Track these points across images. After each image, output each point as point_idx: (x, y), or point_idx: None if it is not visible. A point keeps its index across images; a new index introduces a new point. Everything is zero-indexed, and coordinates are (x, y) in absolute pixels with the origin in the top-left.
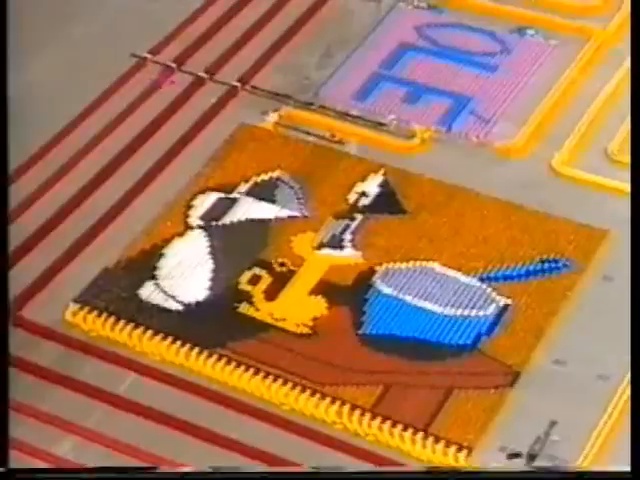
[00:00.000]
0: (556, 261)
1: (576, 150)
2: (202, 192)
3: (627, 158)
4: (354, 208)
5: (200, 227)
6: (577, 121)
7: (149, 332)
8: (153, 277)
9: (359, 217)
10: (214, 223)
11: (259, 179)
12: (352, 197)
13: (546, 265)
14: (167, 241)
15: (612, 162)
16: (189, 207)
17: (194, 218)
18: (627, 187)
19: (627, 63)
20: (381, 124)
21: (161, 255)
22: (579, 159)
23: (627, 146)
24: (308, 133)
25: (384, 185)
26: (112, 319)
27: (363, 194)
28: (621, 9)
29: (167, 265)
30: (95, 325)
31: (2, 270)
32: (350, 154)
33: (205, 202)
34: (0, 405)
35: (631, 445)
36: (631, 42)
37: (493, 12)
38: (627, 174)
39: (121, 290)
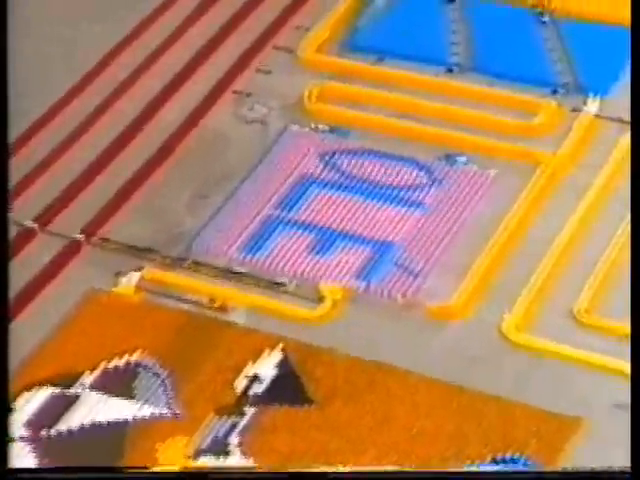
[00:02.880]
0: (514, 460)
1: (532, 310)
2: (28, 388)
3: (599, 320)
4: (244, 399)
5: (24, 439)
6: (532, 271)
7: None
8: None
9: (250, 411)
10: (45, 432)
11: (111, 365)
12: (241, 384)
13: (501, 466)
14: None
15: (580, 325)
16: (9, 411)
17: (17, 426)
18: (601, 359)
19: (590, 194)
20: (278, 284)
21: None
22: (537, 322)
23: (598, 304)
24: (180, 299)
25: (283, 365)
26: None
27: (255, 379)
28: (573, 128)
29: None
30: None
31: None
32: (237, 325)
33: (33, 402)
34: (0, 405)
35: (631, 445)
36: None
37: (413, 135)
38: (599, 340)
39: None
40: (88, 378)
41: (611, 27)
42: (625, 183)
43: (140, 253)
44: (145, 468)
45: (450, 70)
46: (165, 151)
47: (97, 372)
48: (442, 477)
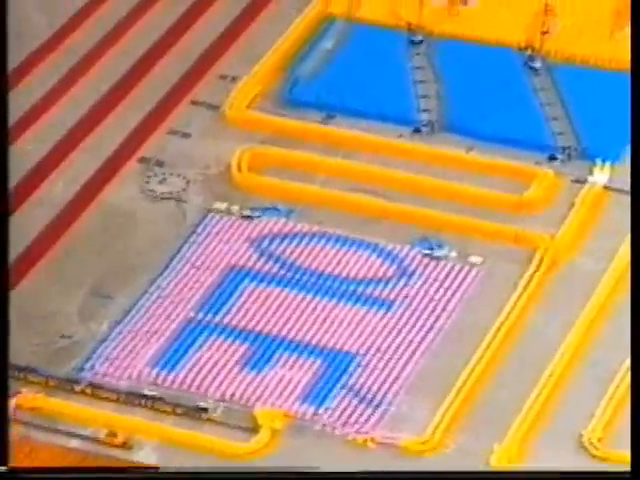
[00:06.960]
0: None
1: (529, 439)
2: None
3: (615, 453)
4: None
5: None
6: (528, 390)
7: None
8: None
9: None
10: None
11: None
12: None
13: None
14: None
15: (590, 456)
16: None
17: None
18: None
19: (600, 288)
20: (201, 409)
21: None
22: (535, 454)
23: (613, 432)
24: (68, 434)
25: None
26: None
27: None
28: (576, 204)
29: None
30: None
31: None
32: (143, 465)
33: None
34: (0, 405)
35: (631, 445)
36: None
37: (374, 214)
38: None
39: None
40: None
41: (619, 74)
42: None
43: (15, 373)
44: (145, 469)
45: (418, 130)
46: (50, 235)
47: None
48: (444, 477)
